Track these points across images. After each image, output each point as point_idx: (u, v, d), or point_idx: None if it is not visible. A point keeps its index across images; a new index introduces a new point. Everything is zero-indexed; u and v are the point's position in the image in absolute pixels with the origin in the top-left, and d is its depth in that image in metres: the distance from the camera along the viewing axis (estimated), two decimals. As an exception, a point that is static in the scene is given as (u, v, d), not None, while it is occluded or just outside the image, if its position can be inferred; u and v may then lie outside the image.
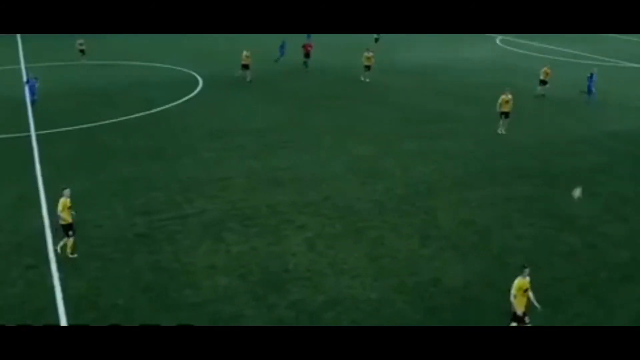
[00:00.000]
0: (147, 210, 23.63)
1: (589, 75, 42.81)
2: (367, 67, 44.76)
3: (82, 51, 49.08)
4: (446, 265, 20.40)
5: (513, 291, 16.18)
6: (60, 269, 19.42)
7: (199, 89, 41.50)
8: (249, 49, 44.09)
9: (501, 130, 33.96)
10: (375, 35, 58.03)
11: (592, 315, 17.88)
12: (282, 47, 51.14)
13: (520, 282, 16.23)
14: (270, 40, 47.93)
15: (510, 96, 33.89)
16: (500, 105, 33.97)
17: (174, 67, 47.41)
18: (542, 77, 42.08)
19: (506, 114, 33.91)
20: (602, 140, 33.59)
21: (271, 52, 50.68)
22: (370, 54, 45.02)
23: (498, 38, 63.85)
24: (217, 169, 27.79)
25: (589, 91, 42.26)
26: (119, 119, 34.44)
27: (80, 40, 49.27)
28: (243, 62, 43.89)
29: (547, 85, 41.86)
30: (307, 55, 48.48)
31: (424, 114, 37.20)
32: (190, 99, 39.18)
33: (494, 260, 20.91)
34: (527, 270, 16.33)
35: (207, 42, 57.79)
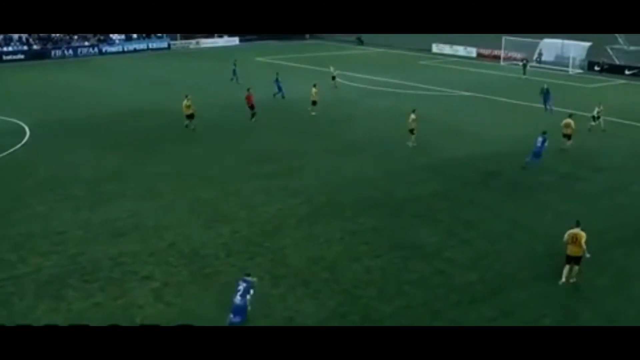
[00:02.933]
0: (-25, 273, 22.41)
1: (544, 91, 49.03)
2: (314, 102, 47.50)
3: None
4: (299, 304, 20.64)
5: (584, 242, 21.70)
6: None
7: (26, 138, 39.96)
8: (189, 96, 42.51)
9: (411, 144, 38.76)
10: (332, 74, 59.15)
11: (444, 340, 18.56)
12: (277, 82, 52.68)
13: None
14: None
15: (413, 116, 38.72)
16: (409, 123, 38.73)
17: (-3, 118, 45.45)
18: (595, 114, 43.45)
19: (412, 131, 38.73)
20: (441, 167, 35.18)
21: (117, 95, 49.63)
22: (316, 90, 47.87)
23: (336, 73, 65.64)
24: (52, 223, 26.82)
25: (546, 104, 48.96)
26: (-63, 177, 32.57)
27: None
28: (187, 113, 41.91)
29: (600, 120, 43.30)
30: (251, 107, 45.16)
31: (267, 152, 37.54)
32: (17, 150, 37.67)
33: (346, 294, 21.35)
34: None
35: (31, 88, 55.98)
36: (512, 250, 25.05)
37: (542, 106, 49.64)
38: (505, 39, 76.37)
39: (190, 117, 42.07)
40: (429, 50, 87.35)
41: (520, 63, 71.10)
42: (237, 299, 18.65)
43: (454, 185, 32.35)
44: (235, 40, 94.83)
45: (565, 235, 22.08)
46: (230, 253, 24.29)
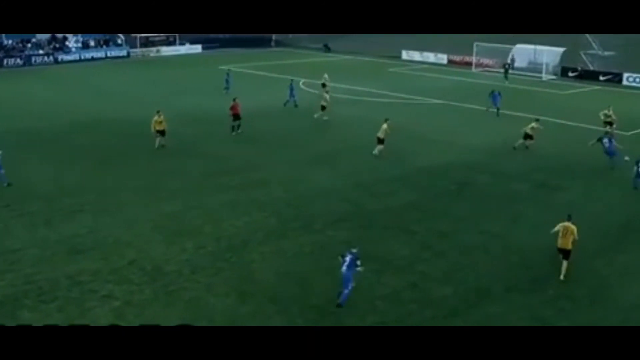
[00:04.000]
0: None
1: (495, 94, 52.08)
2: (323, 107, 48.80)
3: None
4: (268, 321, 20.53)
5: (576, 234, 23.72)
6: None
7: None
8: (160, 112, 40.92)
9: (377, 152, 38.87)
10: (324, 82, 59.35)
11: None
12: (291, 89, 53.44)
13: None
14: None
15: (384, 125, 38.93)
16: (381, 131, 38.97)
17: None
18: (605, 119, 44.60)
19: (381, 141, 38.75)
20: (413, 177, 35.36)
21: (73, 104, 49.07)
22: (327, 96, 50.04)
23: (302, 81, 65.75)
24: (5, 240, 26.40)
25: (496, 107, 51.67)
26: None
27: None
28: (157, 128, 40.40)
29: (614, 126, 44.30)
30: (236, 117, 44.13)
31: (233, 163, 37.43)
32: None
33: (316, 310, 21.32)
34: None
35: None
36: (487, 262, 25.22)
37: (494, 109, 51.98)
38: (476, 44, 77.10)
39: (162, 133, 40.74)
40: (399, 57, 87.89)
41: (502, 69, 71.85)
42: (344, 271, 21.55)
43: (426, 196, 32.51)
44: (198, 48, 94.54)
45: (557, 227, 24.08)
46: (195, 269, 24.13)
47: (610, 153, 37.44)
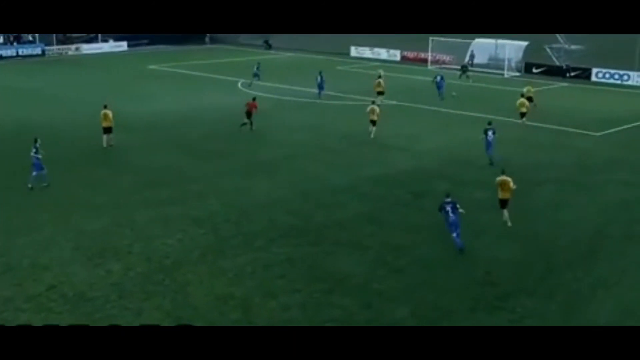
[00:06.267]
0: None
1: (437, 79, 58.87)
2: (380, 93, 54.70)
3: None
4: (205, 351, 20.35)
5: (512, 185, 29.47)
6: None
7: None
8: (109, 107, 42.18)
9: (371, 135, 44.13)
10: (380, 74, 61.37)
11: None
12: (320, 82, 57.90)
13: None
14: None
15: (374, 107, 44.71)
16: (368, 114, 44.53)
17: None
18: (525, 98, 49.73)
19: (374, 122, 44.16)
20: (365, 186, 35.44)
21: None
22: (380, 80, 56.34)
23: (239, 82, 65.63)
24: None
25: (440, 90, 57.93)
26: None
27: None
28: (103, 125, 41.74)
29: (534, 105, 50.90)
30: (248, 114, 46.11)
31: (163, 175, 37.10)
32: None
33: (260, 337, 21.19)
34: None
35: None
36: (449, 278, 25.33)
37: (439, 97, 57.24)
38: (432, 39, 77.78)
39: (108, 130, 41.92)
40: (347, 53, 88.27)
41: (460, 70, 72.13)
42: (452, 217, 26.83)
43: (380, 207, 32.59)
44: (123, 46, 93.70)
45: (496, 184, 29.98)
46: (123, 294, 23.83)
47: (489, 146, 39.03)
